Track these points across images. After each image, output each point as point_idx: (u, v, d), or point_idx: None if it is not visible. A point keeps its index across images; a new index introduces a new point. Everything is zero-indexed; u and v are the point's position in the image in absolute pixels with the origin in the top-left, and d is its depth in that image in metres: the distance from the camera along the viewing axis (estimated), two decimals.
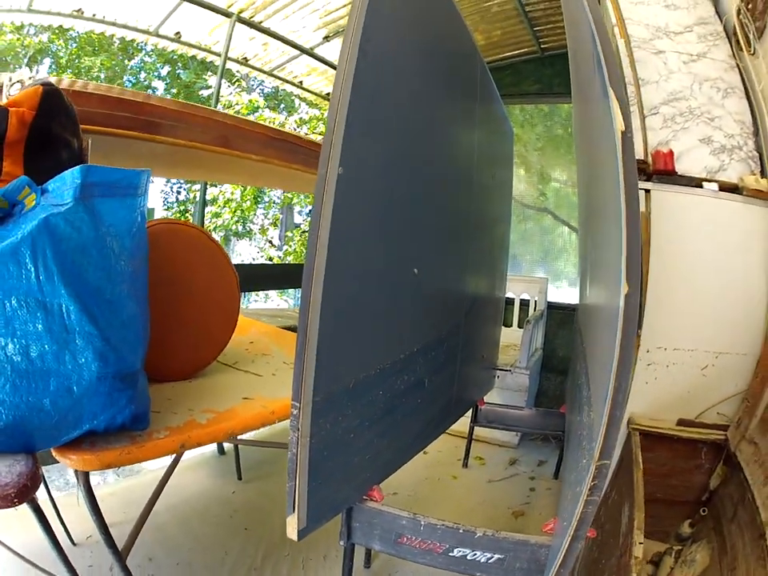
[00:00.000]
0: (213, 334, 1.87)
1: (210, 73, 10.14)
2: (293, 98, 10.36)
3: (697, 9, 2.62)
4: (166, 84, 11.72)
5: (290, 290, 9.71)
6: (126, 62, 11.34)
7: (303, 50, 5.05)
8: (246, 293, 8.25)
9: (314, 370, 1.17)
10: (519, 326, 4.64)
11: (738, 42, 2.44)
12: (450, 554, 1.53)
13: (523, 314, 4.74)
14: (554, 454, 3.58)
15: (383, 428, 1.59)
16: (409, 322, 1.70)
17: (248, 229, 10.77)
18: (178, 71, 11.50)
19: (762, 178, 2.20)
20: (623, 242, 1.01)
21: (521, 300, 4.78)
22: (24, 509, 1.23)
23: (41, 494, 1.22)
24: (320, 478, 1.30)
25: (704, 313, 2.19)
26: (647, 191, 2.20)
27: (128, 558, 1.55)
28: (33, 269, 1.10)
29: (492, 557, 1.50)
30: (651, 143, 2.29)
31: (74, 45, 10.47)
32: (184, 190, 11.08)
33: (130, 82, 11.40)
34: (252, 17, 4.52)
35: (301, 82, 5.70)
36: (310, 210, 8.85)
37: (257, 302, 10.29)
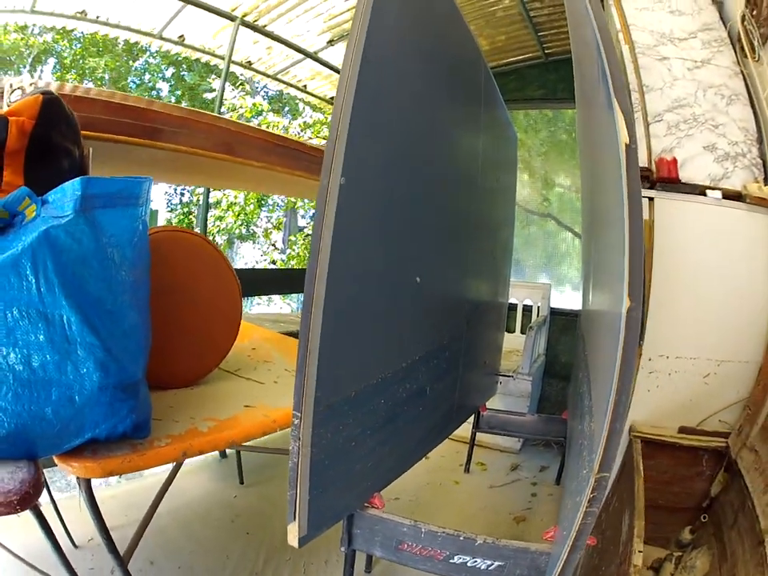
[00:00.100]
0: (215, 341, 1.87)
1: (213, 75, 10.14)
2: (297, 101, 10.37)
3: (701, 15, 2.62)
4: (171, 86, 11.75)
5: (293, 294, 9.71)
6: (131, 63, 11.37)
7: (307, 54, 5.04)
8: (249, 297, 8.27)
9: (316, 380, 1.17)
10: (522, 332, 4.63)
11: (742, 48, 2.44)
12: (451, 560, 1.53)
13: (526, 319, 4.74)
14: (556, 460, 3.56)
15: (385, 436, 1.59)
16: (411, 331, 1.70)
17: (251, 232, 10.78)
18: (182, 73, 11.52)
19: (765, 185, 2.19)
20: (626, 257, 1.01)
21: (524, 306, 4.77)
22: (25, 511, 1.23)
23: (42, 497, 1.22)
24: (321, 486, 1.30)
25: (707, 321, 2.19)
26: (651, 199, 2.20)
27: (129, 562, 1.55)
28: (34, 280, 1.11)
29: (492, 564, 1.50)
30: (655, 150, 2.29)
31: (79, 45, 10.49)
32: (188, 192, 11.08)
33: (135, 83, 11.44)
34: (256, 20, 4.51)
35: (305, 86, 5.69)
36: (313, 214, 8.86)
37: (260, 305, 10.31)
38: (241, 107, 9.01)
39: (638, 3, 2.63)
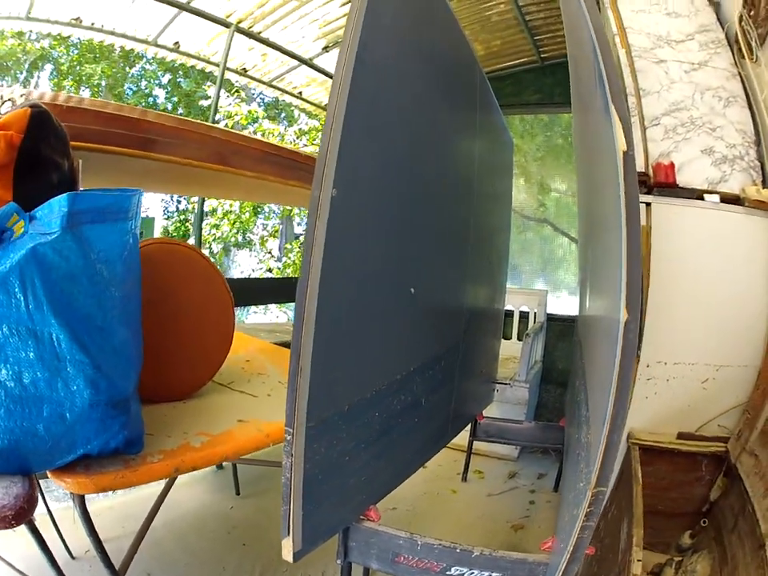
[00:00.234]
0: (207, 353, 1.86)
1: (209, 82, 10.13)
2: (292, 108, 10.36)
3: (698, 16, 2.61)
4: (167, 92, 11.73)
5: (290, 303, 9.69)
6: (128, 69, 11.35)
7: (302, 61, 5.05)
8: (245, 306, 8.25)
9: (308, 395, 1.16)
10: (519, 339, 4.62)
11: (740, 49, 2.42)
12: (448, 572, 1.51)
13: (523, 326, 4.73)
14: (554, 467, 3.56)
15: (379, 449, 1.58)
16: (405, 342, 1.68)
17: (248, 239, 10.76)
18: (178, 80, 11.51)
19: (763, 188, 2.19)
20: (623, 267, 1.00)
21: (520, 312, 4.77)
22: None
23: (38, 508, 1.22)
24: (315, 501, 1.29)
25: (705, 325, 2.18)
26: (648, 204, 2.19)
27: (125, 574, 1.54)
28: (22, 298, 1.10)
29: (490, 575, 1.48)
30: (652, 155, 2.28)
31: (75, 52, 10.47)
32: (184, 200, 11.06)
33: (131, 89, 11.42)
34: (251, 27, 4.51)
35: (300, 93, 5.70)
36: None
37: (256, 313, 10.29)
38: (236, 114, 8.98)
39: (635, 6, 2.62)
